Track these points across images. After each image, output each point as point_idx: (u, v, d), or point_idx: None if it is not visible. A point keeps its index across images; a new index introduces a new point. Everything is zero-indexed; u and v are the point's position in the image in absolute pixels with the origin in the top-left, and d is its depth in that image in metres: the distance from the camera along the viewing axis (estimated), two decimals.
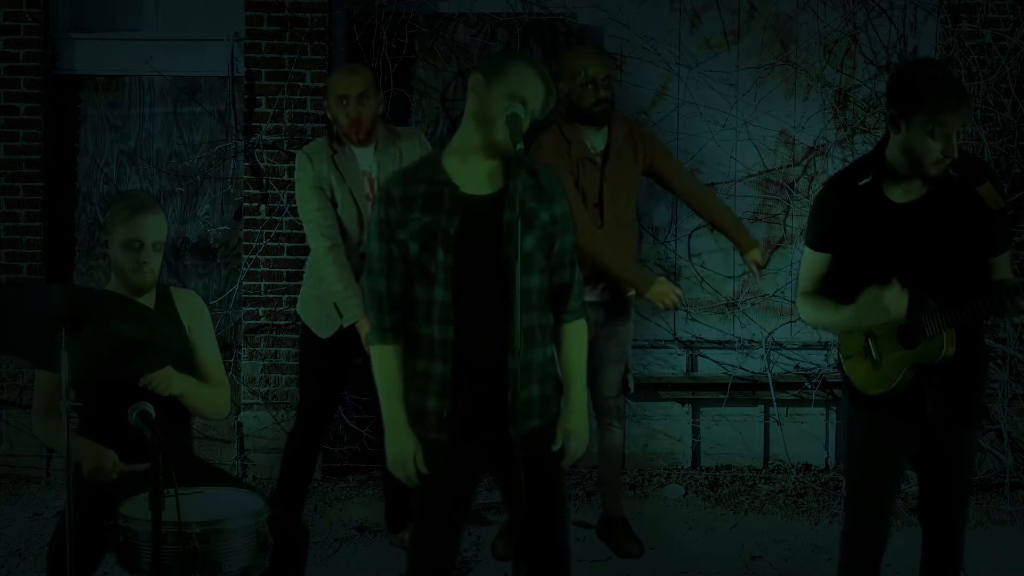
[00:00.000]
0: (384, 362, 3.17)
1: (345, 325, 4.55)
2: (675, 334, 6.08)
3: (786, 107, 5.96)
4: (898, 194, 3.24)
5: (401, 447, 3.15)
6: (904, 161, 3.17)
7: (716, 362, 6.05)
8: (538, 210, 3.10)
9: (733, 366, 6.01)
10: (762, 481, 5.82)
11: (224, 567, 3.08)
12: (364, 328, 4.33)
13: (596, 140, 4.73)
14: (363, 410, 5.64)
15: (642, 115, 5.98)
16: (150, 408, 3.13)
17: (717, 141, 5.95)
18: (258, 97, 5.84)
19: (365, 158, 4.62)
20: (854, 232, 3.27)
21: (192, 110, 6.02)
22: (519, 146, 2.99)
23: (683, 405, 6.05)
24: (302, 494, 4.80)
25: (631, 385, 4.96)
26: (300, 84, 5.84)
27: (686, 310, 6.06)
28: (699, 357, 6.10)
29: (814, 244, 3.39)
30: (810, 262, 3.40)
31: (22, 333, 3.03)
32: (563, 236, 3.18)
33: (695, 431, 6.05)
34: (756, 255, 4.89)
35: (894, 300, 3.11)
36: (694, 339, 6.08)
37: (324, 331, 4.65)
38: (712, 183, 5.99)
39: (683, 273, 6.05)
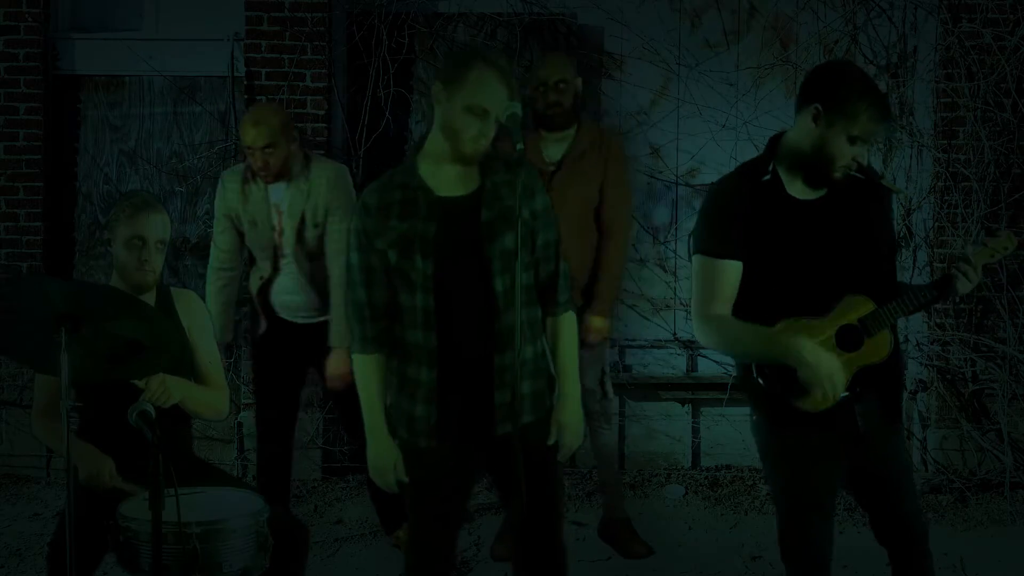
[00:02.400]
0: (365, 371, 3.16)
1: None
2: (675, 334, 6.08)
3: (786, 107, 5.95)
4: (799, 190, 3.12)
5: (381, 455, 3.16)
6: (811, 157, 3.06)
7: (716, 362, 6.04)
8: (517, 207, 3.04)
9: (733, 366, 5.99)
10: (762, 481, 5.81)
11: (224, 567, 3.07)
12: None
13: (555, 149, 4.71)
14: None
15: (642, 115, 5.99)
16: (150, 408, 3.13)
17: (717, 141, 5.95)
18: (258, 97, 5.84)
19: (276, 191, 4.63)
20: (759, 233, 3.06)
21: (192, 110, 6.02)
22: (519, 146, 2.96)
23: (683, 405, 6.05)
24: (283, 500, 4.81)
25: (608, 389, 4.88)
26: (300, 84, 5.84)
27: (686, 310, 6.06)
28: (699, 357, 6.09)
29: (717, 251, 3.09)
30: (710, 274, 3.10)
31: (21, 334, 3.03)
32: (546, 230, 3.17)
33: (695, 431, 6.05)
34: (600, 323, 4.69)
35: (831, 374, 2.94)
36: (694, 339, 6.07)
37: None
38: (712, 183, 5.99)
39: (683, 273, 6.05)
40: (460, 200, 3.09)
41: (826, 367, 2.95)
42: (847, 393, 3.05)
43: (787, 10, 5.96)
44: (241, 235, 4.73)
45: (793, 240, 3.07)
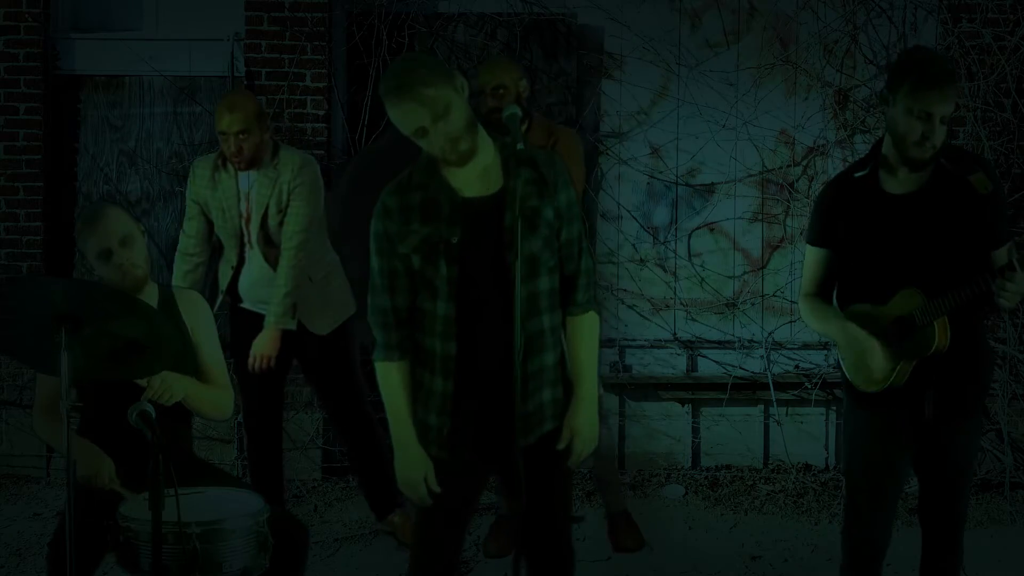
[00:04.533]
0: (389, 379, 3.05)
1: None
2: (675, 334, 6.07)
3: (786, 107, 5.96)
4: (894, 185, 3.24)
5: (412, 467, 3.05)
6: (892, 145, 3.19)
7: (716, 362, 6.04)
8: (541, 207, 2.97)
9: (733, 366, 6.01)
10: (762, 481, 5.81)
11: (224, 567, 3.07)
12: None
13: None
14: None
15: (642, 115, 5.99)
16: (150, 408, 3.12)
17: (717, 141, 5.95)
18: (258, 97, 5.82)
19: (246, 179, 4.67)
20: (850, 225, 3.26)
21: (192, 110, 6.02)
22: (520, 146, 2.93)
23: (683, 405, 6.05)
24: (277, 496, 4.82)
25: (600, 389, 4.89)
26: (300, 84, 5.84)
27: (686, 310, 6.06)
28: (699, 357, 6.09)
29: (812, 239, 3.40)
30: (809, 260, 3.41)
31: (21, 334, 3.03)
32: (570, 225, 3.04)
33: (695, 431, 6.05)
34: None
35: (876, 362, 3.21)
36: (694, 339, 6.08)
37: None
38: (712, 183, 5.99)
39: (683, 273, 6.05)
40: (484, 201, 2.97)
41: (858, 354, 3.21)
42: (894, 381, 3.23)
43: (787, 10, 5.96)
44: (210, 223, 4.77)
45: (882, 233, 3.23)
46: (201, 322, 3.66)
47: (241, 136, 4.53)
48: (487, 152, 3.01)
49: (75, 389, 3.44)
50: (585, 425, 3.08)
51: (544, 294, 3.01)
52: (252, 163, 4.61)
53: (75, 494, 2.95)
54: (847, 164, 3.86)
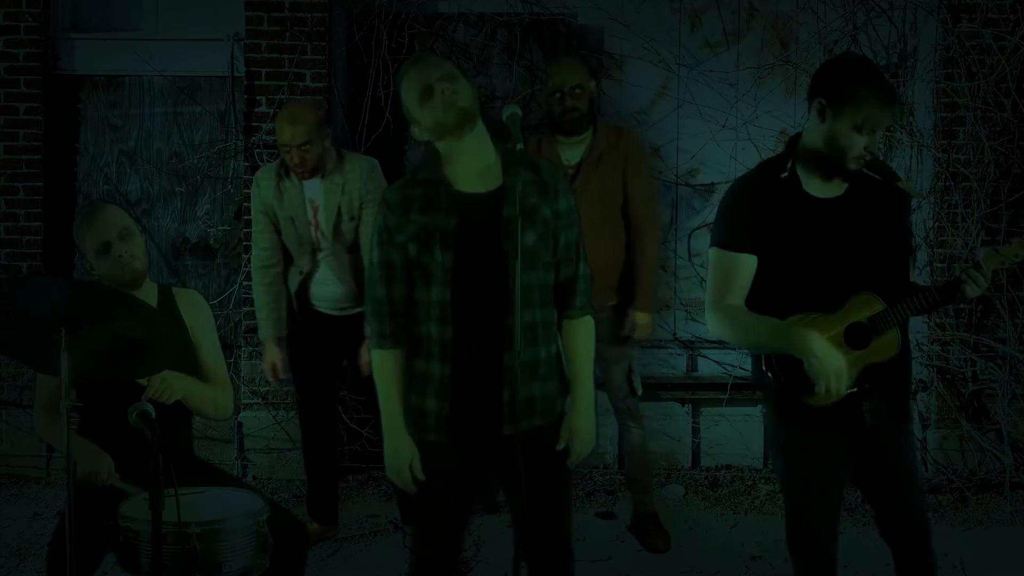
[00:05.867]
0: (383, 367, 3.15)
1: (260, 339, 4.94)
2: (675, 334, 6.07)
3: (786, 107, 5.96)
4: (817, 189, 3.15)
5: (398, 453, 3.14)
6: (825, 153, 3.09)
7: (716, 362, 6.04)
8: (539, 205, 3.06)
9: (733, 366, 6.00)
10: (762, 481, 5.82)
11: (224, 567, 3.07)
12: (267, 350, 4.88)
13: (573, 152, 4.79)
14: (363, 410, 5.64)
15: (642, 115, 5.99)
16: (150, 408, 3.13)
17: (717, 141, 5.95)
18: (258, 97, 5.84)
19: (311, 186, 4.74)
20: (776, 228, 3.11)
21: (192, 110, 6.02)
22: (519, 145, 2.98)
23: (683, 405, 6.05)
24: (331, 493, 5.08)
25: (637, 387, 4.99)
26: (300, 84, 5.84)
27: (686, 310, 6.07)
28: (699, 357, 6.09)
29: (731, 244, 3.13)
30: (723, 266, 3.14)
31: (21, 334, 3.03)
32: (567, 231, 3.14)
33: (695, 431, 6.05)
34: (644, 318, 4.84)
35: (837, 369, 2.96)
36: (694, 339, 6.08)
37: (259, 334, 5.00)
38: (712, 183, 5.99)
39: (683, 273, 6.05)
40: (482, 196, 3.07)
41: (832, 361, 2.98)
42: (854, 389, 3.09)
43: (787, 10, 5.96)
44: (279, 232, 4.82)
45: (808, 237, 3.11)
46: (200, 321, 3.67)
47: (304, 148, 4.58)
48: (488, 152, 3.10)
49: (75, 389, 3.44)
50: (584, 425, 3.16)
51: (537, 288, 3.08)
52: (315, 171, 4.67)
53: (75, 494, 2.95)
54: None
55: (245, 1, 5.83)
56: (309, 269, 4.80)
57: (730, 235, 3.14)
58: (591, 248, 4.75)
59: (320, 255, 4.79)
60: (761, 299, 3.12)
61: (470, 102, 3.00)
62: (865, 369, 3.11)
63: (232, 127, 5.93)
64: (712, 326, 3.18)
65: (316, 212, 4.73)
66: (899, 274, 3.19)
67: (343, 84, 5.97)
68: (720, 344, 6.04)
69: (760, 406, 6.01)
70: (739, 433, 6.02)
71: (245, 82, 5.85)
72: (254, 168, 5.85)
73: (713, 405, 6.03)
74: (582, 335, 3.21)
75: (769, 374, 3.14)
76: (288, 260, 4.88)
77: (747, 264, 3.12)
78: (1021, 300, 5.74)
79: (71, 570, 2.93)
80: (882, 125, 3.05)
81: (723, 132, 5.95)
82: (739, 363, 6.00)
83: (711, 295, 3.16)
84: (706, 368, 6.08)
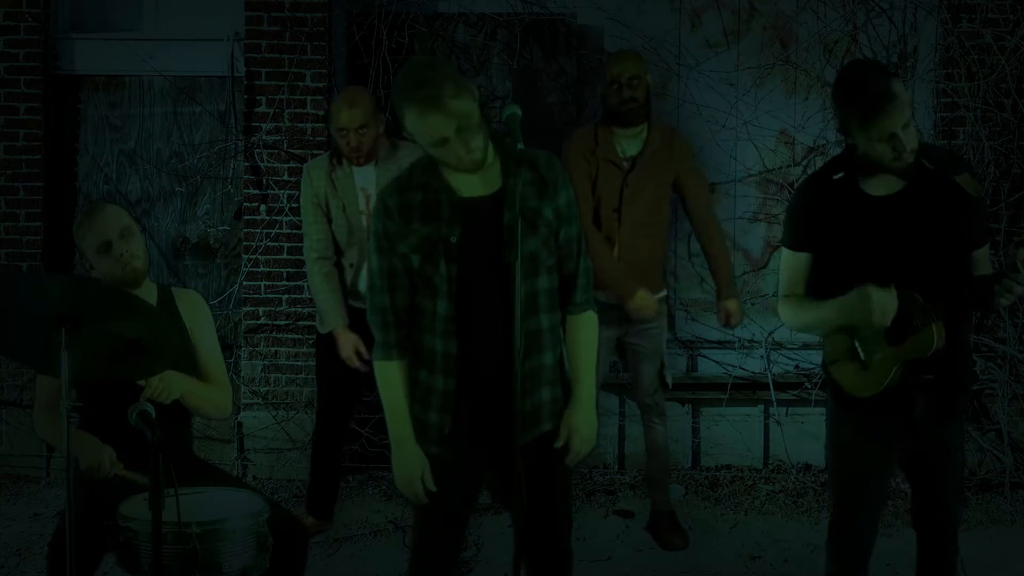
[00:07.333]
0: (389, 378, 3.08)
1: (322, 332, 4.88)
2: (675, 334, 6.07)
3: (786, 107, 5.96)
4: (874, 187, 3.20)
5: (408, 466, 3.07)
6: (869, 157, 3.16)
7: (716, 362, 6.04)
8: (540, 207, 3.00)
9: (733, 366, 6.01)
10: (762, 481, 5.82)
11: (224, 567, 3.07)
12: (341, 339, 4.76)
13: (630, 145, 4.80)
14: (363, 410, 5.64)
15: None
16: (150, 408, 3.13)
17: (717, 141, 5.95)
18: (258, 97, 5.84)
19: (363, 174, 4.75)
20: (832, 228, 3.21)
21: (192, 110, 6.02)
22: (519, 145, 2.94)
23: (683, 405, 6.05)
24: (332, 491, 5.10)
25: (669, 381, 5.02)
26: (300, 84, 5.84)
27: (686, 310, 6.07)
28: (699, 357, 6.09)
29: (792, 244, 3.33)
30: (789, 264, 3.34)
31: (21, 334, 3.03)
32: (568, 226, 3.07)
33: (695, 431, 6.05)
34: (732, 305, 4.90)
35: (883, 302, 3.07)
36: (694, 339, 6.08)
37: (321, 327, 4.92)
38: (712, 183, 5.99)
39: (683, 273, 6.05)
40: (483, 201, 2.99)
41: (881, 295, 3.08)
42: (893, 381, 3.17)
43: (787, 10, 5.97)
44: (330, 222, 4.80)
45: (865, 235, 3.19)
46: (200, 321, 3.67)
47: (361, 131, 4.62)
48: (488, 153, 3.02)
49: (75, 389, 3.44)
50: (583, 423, 3.10)
51: (542, 293, 3.02)
52: (369, 157, 4.69)
53: (79, 489, 2.95)
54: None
55: (245, 1, 5.83)
56: (357, 261, 4.77)
57: (789, 236, 3.35)
58: (639, 241, 4.74)
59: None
60: (823, 295, 3.26)
61: (482, 149, 2.92)
62: (911, 364, 3.17)
63: (232, 127, 5.93)
64: (782, 315, 3.39)
65: (368, 200, 4.71)
66: (959, 269, 3.20)
67: (343, 84, 5.96)
68: (720, 344, 6.05)
69: (760, 406, 6.03)
70: (739, 433, 6.02)
71: (245, 82, 5.86)
72: (254, 168, 5.86)
73: (713, 405, 6.03)
74: (584, 331, 3.14)
75: (828, 367, 3.33)
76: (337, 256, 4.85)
77: (803, 261, 3.32)
78: (1021, 300, 5.72)
79: (71, 570, 2.93)
80: (893, 127, 3.05)
81: (723, 132, 5.95)
82: (739, 363, 6.01)
83: (781, 290, 3.38)
84: (706, 368, 6.08)
